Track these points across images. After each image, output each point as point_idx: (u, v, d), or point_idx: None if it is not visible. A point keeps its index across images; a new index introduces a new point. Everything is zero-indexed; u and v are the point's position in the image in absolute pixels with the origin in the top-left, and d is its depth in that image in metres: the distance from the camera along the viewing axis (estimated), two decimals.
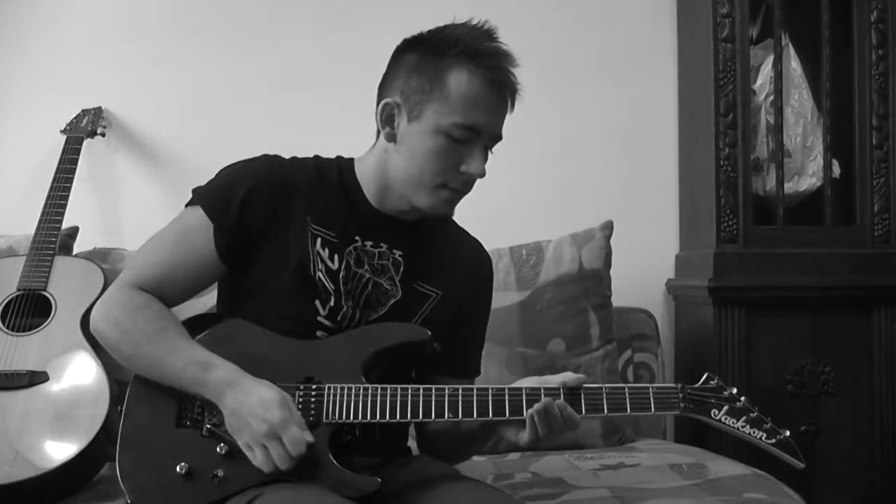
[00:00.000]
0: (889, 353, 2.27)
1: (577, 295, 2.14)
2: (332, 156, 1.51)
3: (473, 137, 1.36)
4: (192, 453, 1.31)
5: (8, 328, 1.84)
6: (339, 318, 1.40)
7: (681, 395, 1.35)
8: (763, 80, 2.36)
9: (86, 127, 2.33)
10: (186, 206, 1.44)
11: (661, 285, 2.55)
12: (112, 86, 2.48)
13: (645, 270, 2.52)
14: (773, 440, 1.34)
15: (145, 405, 1.36)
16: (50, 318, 1.84)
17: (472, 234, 1.61)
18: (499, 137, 1.42)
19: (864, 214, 2.34)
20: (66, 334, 1.81)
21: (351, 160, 1.49)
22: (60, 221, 2.06)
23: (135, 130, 2.50)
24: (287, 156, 1.50)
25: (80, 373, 1.75)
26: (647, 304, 2.40)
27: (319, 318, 1.40)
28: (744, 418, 1.35)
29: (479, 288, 1.57)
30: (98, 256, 2.13)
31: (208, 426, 1.33)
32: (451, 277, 1.50)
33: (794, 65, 2.37)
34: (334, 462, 1.29)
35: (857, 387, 2.27)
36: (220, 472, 1.29)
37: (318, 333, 1.39)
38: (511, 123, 2.61)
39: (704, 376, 1.39)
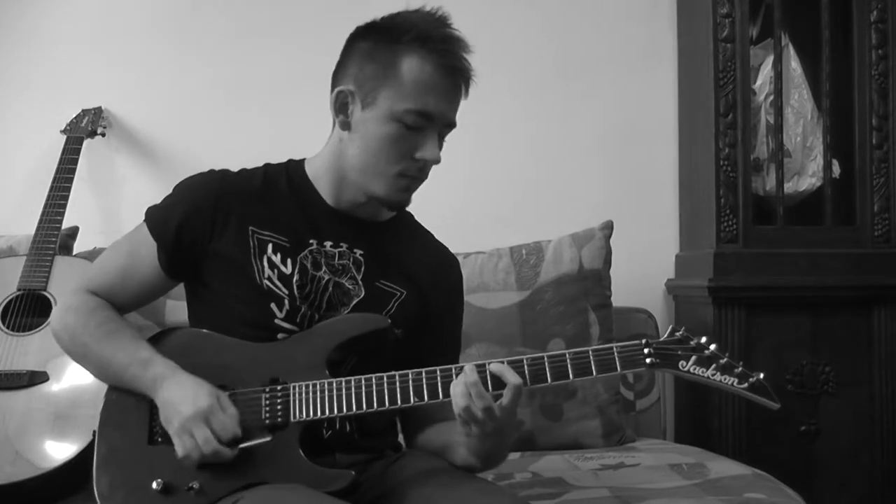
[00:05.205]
0: (889, 352, 2.27)
1: (577, 295, 2.13)
2: None
3: (426, 124, 1.35)
4: (167, 468, 1.31)
5: (8, 328, 1.84)
6: (297, 321, 1.40)
7: (646, 350, 1.30)
8: (763, 80, 2.36)
9: (86, 127, 2.33)
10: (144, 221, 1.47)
11: (661, 285, 2.55)
12: (112, 86, 2.49)
13: (645, 270, 2.52)
14: (746, 384, 1.28)
15: (117, 426, 1.38)
16: (50, 318, 1.84)
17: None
18: (452, 124, 1.40)
19: (864, 214, 2.34)
20: None
21: (301, 161, 1.49)
22: (60, 221, 2.06)
23: (135, 130, 2.50)
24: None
25: (80, 373, 1.71)
26: (647, 304, 2.40)
27: (277, 322, 1.39)
28: (713, 366, 1.29)
29: (448, 289, 1.55)
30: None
31: None
32: (415, 276, 1.48)
33: (794, 65, 2.37)
34: (306, 460, 1.30)
35: (857, 387, 2.27)
36: (196, 484, 1.29)
37: (280, 336, 1.39)
38: (511, 123, 2.60)
39: (669, 328, 1.34)
